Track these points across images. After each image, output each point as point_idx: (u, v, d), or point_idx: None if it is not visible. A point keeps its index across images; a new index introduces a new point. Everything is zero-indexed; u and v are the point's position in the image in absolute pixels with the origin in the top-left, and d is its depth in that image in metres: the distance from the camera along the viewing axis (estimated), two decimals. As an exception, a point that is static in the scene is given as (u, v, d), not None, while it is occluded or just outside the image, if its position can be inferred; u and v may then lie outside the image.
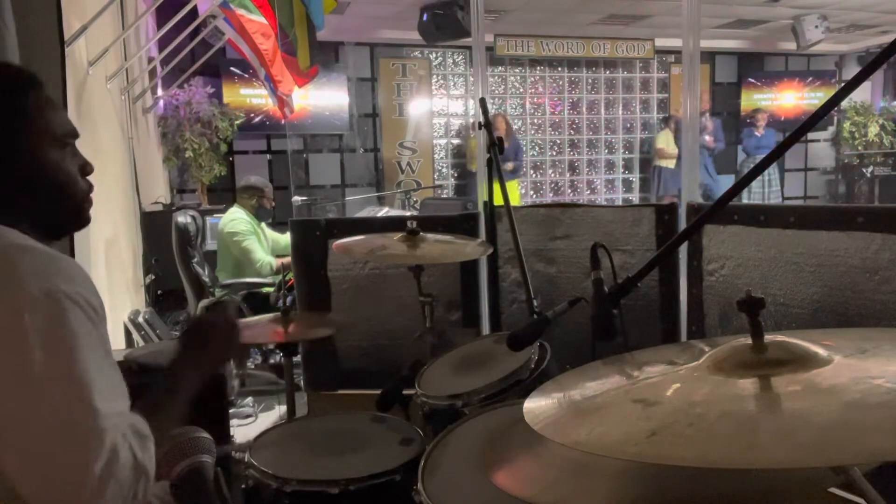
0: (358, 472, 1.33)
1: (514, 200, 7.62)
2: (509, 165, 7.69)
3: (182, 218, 4.07)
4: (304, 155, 8.11)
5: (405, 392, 1.71)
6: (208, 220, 5.00)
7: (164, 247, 4.20)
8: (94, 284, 1.01)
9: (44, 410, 0.89)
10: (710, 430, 0.66)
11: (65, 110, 1.12)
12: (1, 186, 1.03)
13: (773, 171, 8.51)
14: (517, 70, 8.98)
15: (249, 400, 3.59)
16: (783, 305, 1.95)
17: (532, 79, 9.05)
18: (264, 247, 4.37)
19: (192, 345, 1.19)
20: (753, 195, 8.28)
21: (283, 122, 7.04)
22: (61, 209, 1.09)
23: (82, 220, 1.13)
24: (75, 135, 1.12)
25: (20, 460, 0.90)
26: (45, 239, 1.07)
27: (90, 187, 1.13)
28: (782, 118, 9.44)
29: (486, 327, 2.65)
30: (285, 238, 4.42)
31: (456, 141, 8.79)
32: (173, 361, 1.15)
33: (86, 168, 1.12)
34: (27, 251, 0.97)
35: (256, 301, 4.01)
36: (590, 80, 9.27)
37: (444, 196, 8.48)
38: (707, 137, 8.34)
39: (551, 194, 9.24)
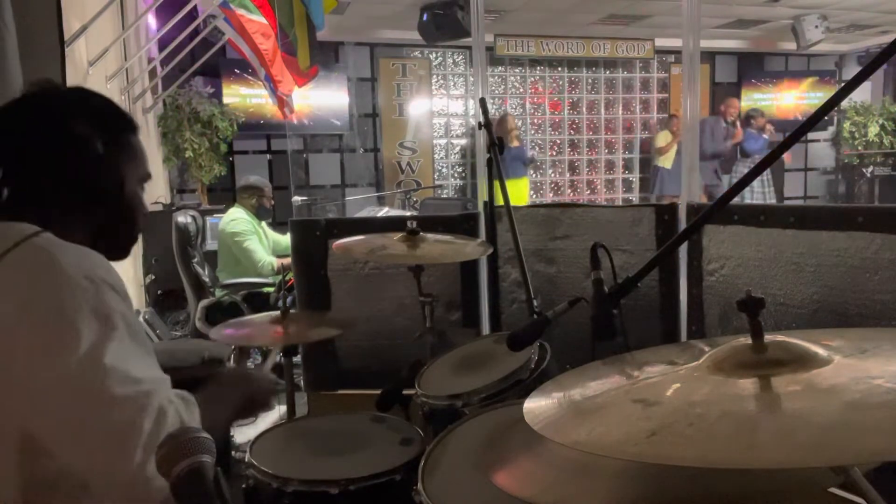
0: (358, 472, 1.33)
1: (523, 200, 7.73)
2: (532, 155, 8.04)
3: (182, 218, 4.07)
4: (304, 155, 8.11)
5: (405, 392, 1.71)
6: (208, 220, 5.00)
7: (164, 247, 4.21)
8: (121, 278, 1.09)
9: (89, 383, 0.95)
10: (710, 430, 0.66)
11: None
12: (90, 201, 1.14)
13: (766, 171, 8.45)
14: (517, 70, 8.98)
15: (249, 400, 3.58)
16: (783, 305, 1.95)
17: (532, 79, 9.05)
18: (265, 246, 4.38)
19: (220, 399, 1.24)
20: (755, 196, 8.27)
21: (283, 121, 7.04)
22: (124, 237, 1.22)
23: (127, 253, 1.25)
24: (150, 177, 1.26)
25: (70, 432, 0.96)
26: None
27: (142, 228, 1.25)
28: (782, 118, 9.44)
29: (486, 327, 2.65)
30: (286, 239, 4.42)
31: (463, 141, 8.78)
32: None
33: (147, 209, 1.26)
34: (62, 246, 1.05)
35: (256, 301, 4.01)
36: (590, 80, 9.27)
37: (444, 196, 8.49)
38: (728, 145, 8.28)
39: (551, 194, 9.24)
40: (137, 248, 4.69)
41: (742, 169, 8.54)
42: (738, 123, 8.34)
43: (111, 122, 1.18)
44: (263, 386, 1.34)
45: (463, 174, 8.83)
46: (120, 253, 1.23)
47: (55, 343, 0.96)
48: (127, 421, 0.96)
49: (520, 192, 7.61)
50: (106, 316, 0.99)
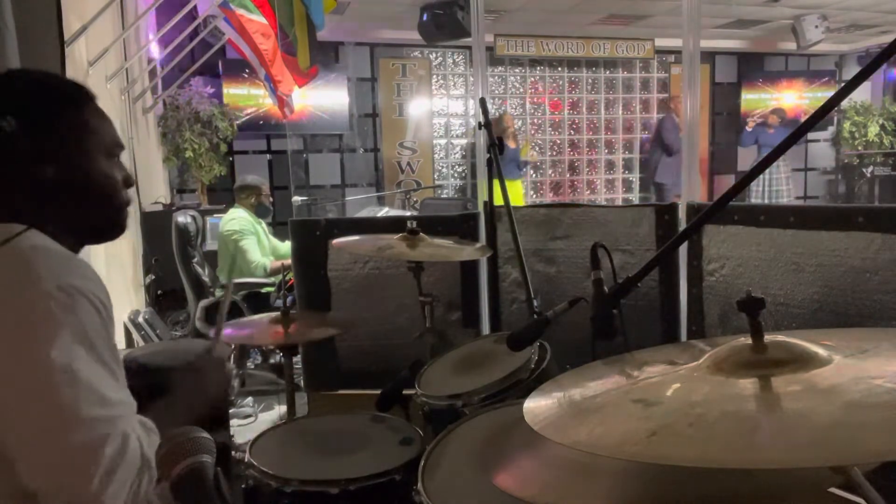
0: (358, 472, 1.33)
1: (519, 200, 7.71)
2: (534, 155, 8.03)
3: (182, 218, 4.07)
4: (304, 155, 8.11)
5: (405, 392, 1.71)
6: (208, 220, 5.00)
7: (164, 247, 4.21)
8: (104, 285, 1.04)
9: (55, 398, 0.92)
10: (710, 430, 0.66)
11: (111, 122, 1.18)
12: (50, 189, 1.07)
13: (775, 171, 8.47)
14: (517, 70, 8.98)
15: (249, 400, 3.60)
16: (783, 305, 1.95)
17: (532, 79, 9.05)
18: (263, 247, 4.37)
19: (183, 393, 1.23)
20: (783, 194, 8.31)
21: (283, 121, 7.04)
22: (103, 216, 1.14)
23: (120, 229, 1.17)
24: (122, 147, 1.18)
25: (30, 447, 0.93)
26: (80, 243, 1.13)
27: (130, 198, 1.18)
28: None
29: (486, 327, 2.65)
30: (285, 246, 4.42)
31: (462, 141, 8.78)
32: (165, 404, 1.18)
33: (129, 180, 1.17)
34: (43, 251, 1.01)
35: (256, 301, 4.01)
36: (590, 80, 9.27)
37: (444, 196, 8.49)
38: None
39: (551, 194, 9.24)
40: (137, 248, 4.69)
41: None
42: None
43: (41, 106, 1.08)
44: (216, 382, 1.31)
45: (463, 174, 8.83)
46: (113, 233, 1.17)
47: (25, 357, 0.93)
48: (90, 444, 0.91)
49: (515, 194, 7.60)
50: (79, 331, 0.95)
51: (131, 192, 1.19)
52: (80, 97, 1.13)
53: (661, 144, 8.37)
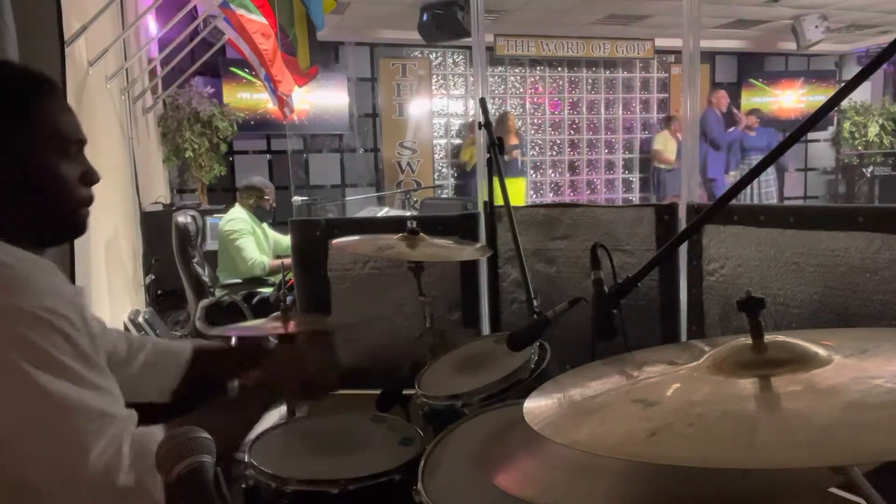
0: (358, 472, 1.32)
1: (520, 200, 7.70)
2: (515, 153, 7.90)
3: (182, 218, 4.08)
4: (304, 155, 8.11)
5: (405, 392, 1.71)
6: (208, 220, 5.00)
7: (164, 247, 4.21)
8: (68, 292, 0.98)
9: (30, 422, 0.89)
10: (710, 430, 0.66)
11: (74, 115, 1.10)
12: None
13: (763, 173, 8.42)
14: (517, 70, 8.98)
15: (249, 400, 3.58)
16: (783, 305, 1.95)
17: (532, 79, 9.05)
18: (263, 247, 4.38)
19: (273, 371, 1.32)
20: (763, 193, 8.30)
21: (283, 121, 7.04)
22: (53, 216, 1.06)
23: (77, 229, 1.10)
24: (81, 141, 1.09)
25: (26, 466, 0.90)
26: (37, 246, 1.06)
27: (89, 196, 1.10)
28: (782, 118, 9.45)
29: (486, 327, 2.65)
30: (287, 239, 4.42)
31: (456, 141, 8.80)
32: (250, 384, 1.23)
33: (90, 177, 1.09)
34: None
35: (256, 301, 4.01)
36: (590, 80, 9.27)
37: (444, 196, 8.49)
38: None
39: (551, 194, 9.24)
40: (137, 248, 4.69)
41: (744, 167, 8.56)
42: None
43: None
44: (314, 368, 1.39)
45: (462, 175, 8.82)
46: (68, 234, 1.11)
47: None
48: (101, 456, 0.89)
49: (517, 192, 7.61)
50: (31, 351, 0.90)
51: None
52: (22, 86, 1.04)
53: (705, 140, 8.35)
